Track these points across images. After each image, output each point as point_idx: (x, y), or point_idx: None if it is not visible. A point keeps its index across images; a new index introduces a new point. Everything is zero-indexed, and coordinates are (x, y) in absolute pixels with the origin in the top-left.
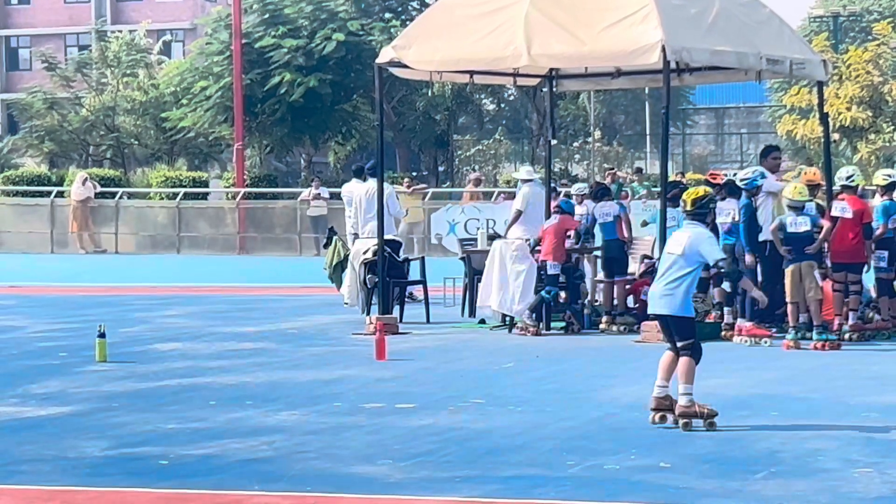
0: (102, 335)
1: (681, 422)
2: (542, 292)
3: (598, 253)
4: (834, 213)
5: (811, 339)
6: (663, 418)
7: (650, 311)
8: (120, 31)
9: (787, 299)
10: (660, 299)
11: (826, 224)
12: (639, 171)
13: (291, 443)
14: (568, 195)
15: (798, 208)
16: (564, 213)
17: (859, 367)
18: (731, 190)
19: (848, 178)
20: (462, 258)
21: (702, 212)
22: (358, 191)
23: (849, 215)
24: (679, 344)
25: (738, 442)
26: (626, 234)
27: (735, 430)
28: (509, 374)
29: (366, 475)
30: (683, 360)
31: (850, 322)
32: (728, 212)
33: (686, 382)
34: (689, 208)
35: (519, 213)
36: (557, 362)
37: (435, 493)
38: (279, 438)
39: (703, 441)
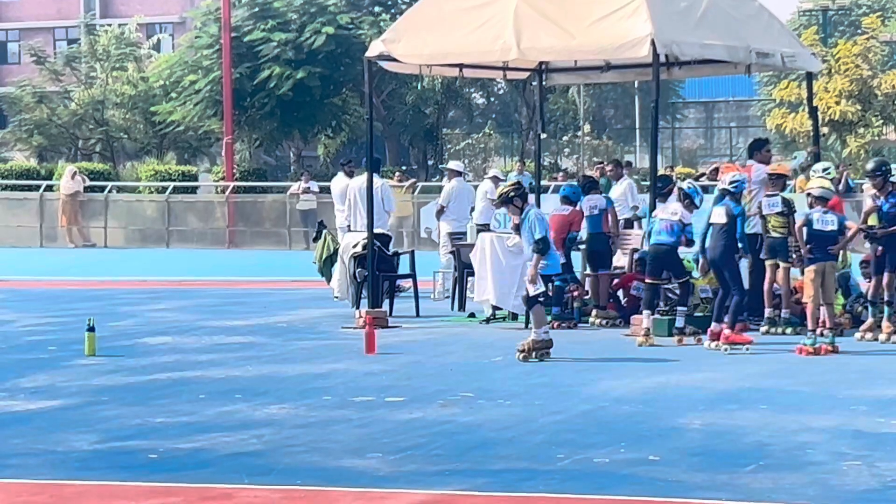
0: (91, 329)
1: None
2: (558, 283)
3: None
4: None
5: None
6: None
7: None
8: (109, 25)
9: (807, 301)
10: None
11: (854, 226)
12: (628, 164)
13: (281, 436)
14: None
15: (827, 201)
16: (571, 203)
17: (847, 361)
18: (684, 197)
19: (824, 170)
20: (451, 252)
21: None
22: (352, 185)
23: None
24: None
25: (726, 435)
26: (611, 229)
27: (724, 424)
28: (499, 368)
29: (355, 468)
30: None
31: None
32: (675, 212)
33: None
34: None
35: (441, 209)
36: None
37: (424, 487)
38: (268, 432)
39: (692, 434)
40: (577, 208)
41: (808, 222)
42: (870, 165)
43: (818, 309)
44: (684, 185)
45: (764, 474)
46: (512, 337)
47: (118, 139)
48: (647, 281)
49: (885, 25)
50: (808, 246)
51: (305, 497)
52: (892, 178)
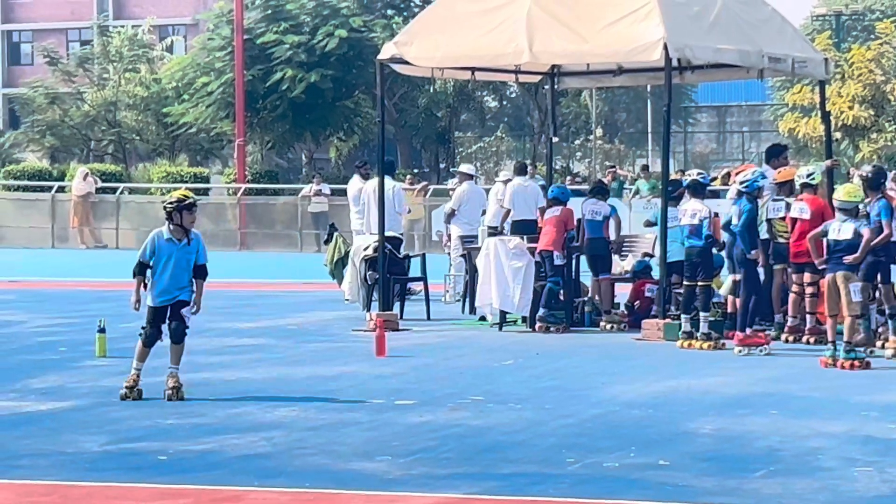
0: (102, 330)
1: None
2: (550, 284)
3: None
4: (792, 214)
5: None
6: None
7: None
8: (122, 26)
9: (825, 312)
10: None
11: (867, 233)
12: (645, 168)
13: (290, 439)
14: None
15: (850, 211)
16: (560, 202)
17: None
18: (695, 190)
19: (808, 175)
20: (462, 255)
21: None
22: (366, 188)
23: (807, 216)
24: None
25: (737, 440)
26: (611, 236)
27: (734, 429)
28: (509, 372)
29: (364, 471)
30: None
31: (808, 325)
32: (694, 213)
33: None
34: None
35: (452, 212)
36: (557, 360)
37: (433, 490)
38: (278, 434)
39: (702, 439)
40: (567, 207)
41: (824, 233)
42: (867, 167)
43: (835, 320)
44: (692, 176)
45: (774, 479)
46: (522, 340)
47: (130, 140)
48: (685, 284)
49: None
50: (823, 257)
51: (315, 499)
52: (883, 184)
